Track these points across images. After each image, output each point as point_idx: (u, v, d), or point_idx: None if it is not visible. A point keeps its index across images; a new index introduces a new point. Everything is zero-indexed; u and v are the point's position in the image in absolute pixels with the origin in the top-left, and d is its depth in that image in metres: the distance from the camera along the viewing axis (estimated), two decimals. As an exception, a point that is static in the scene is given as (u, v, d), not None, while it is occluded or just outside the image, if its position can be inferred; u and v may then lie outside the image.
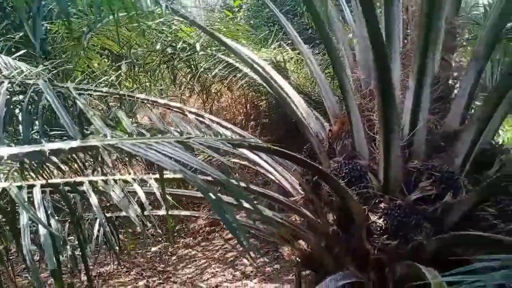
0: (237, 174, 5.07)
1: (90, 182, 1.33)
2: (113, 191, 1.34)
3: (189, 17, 3.40)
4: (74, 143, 0.95)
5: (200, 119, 2.62)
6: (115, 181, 1.27)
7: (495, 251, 1.93)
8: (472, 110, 2.33)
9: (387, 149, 2.08)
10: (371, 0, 1.64)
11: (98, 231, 1.93)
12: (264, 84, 3.88)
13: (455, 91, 2.30)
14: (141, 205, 1.41)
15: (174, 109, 2.85)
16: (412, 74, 2.13)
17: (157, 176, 1.76)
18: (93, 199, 1.25)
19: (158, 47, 4.49)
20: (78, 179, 1.40)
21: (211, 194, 1.01)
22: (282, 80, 3.29)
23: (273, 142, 5.82)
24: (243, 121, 6.52)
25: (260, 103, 6.37)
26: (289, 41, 6.49)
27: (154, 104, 2.81)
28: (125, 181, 1.45)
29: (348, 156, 2.44)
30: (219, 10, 7.95)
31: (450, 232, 1.93)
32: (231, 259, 3.75)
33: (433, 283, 1.25)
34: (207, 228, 4.28)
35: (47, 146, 0.91)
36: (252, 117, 6.53)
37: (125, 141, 0.99)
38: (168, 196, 1.38)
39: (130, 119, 1.62)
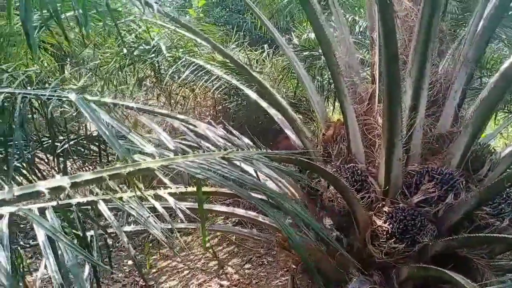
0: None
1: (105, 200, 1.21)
2: (131, 207, 1.23)
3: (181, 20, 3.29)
4: (131, 167, 0.83)
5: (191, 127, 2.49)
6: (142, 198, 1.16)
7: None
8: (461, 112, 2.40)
9: (390, 153, 2.09)
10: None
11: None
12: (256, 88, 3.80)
13: (449, 94, 2.35)
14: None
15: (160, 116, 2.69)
16: (410, 77, 2.15)
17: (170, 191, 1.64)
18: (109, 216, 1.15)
19: (125, 50, 4.24)
20: (89, 199, 1.27)
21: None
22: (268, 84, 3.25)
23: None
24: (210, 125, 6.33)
25: (229, 105, 6.27)
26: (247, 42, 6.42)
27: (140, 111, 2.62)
28: (140, 198, 1.34)
29: (344, 160, 2.44)
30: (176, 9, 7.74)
31: (456, 234, 1.97)
32: (215, 268, 3.64)
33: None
34: (184, 238, 4.13)
35: (107, 172, 0.80)
36: (219, 120, 6.37)
37: (178, 160, 0.89)
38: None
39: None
